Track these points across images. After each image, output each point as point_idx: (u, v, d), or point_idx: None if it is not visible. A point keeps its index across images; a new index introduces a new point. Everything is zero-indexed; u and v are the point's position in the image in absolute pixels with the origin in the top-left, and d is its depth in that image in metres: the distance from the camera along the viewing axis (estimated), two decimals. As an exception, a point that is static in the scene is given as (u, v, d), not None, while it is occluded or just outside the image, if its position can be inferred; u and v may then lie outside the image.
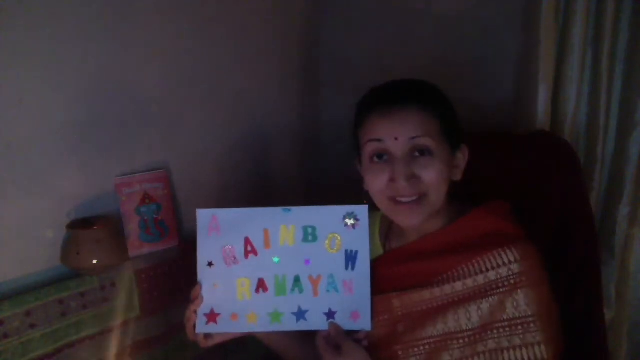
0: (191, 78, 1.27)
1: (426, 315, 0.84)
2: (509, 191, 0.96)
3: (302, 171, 1.67)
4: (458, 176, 0.88)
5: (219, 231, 0.90)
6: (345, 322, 0.87)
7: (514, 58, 1.28)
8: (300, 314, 0.89)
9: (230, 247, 0.90)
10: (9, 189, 0.96)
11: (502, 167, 1.06)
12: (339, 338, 0.84)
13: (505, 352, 0.79)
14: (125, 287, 1.10)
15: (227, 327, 0.90)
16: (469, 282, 0.83)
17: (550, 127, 1.20)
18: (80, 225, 1.03)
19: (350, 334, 0.86)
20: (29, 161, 0.99)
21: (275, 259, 0.90)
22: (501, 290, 0.80)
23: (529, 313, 0.79)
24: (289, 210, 0.90)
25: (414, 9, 1.44)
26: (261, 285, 0.89)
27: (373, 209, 0.90)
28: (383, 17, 1.51)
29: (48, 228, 1.02)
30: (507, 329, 0.79)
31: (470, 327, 0.81)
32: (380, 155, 0.84)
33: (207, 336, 0.91)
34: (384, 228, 0.98)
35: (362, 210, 0.89)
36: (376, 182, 0.85)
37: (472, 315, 0.81)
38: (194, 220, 0.90)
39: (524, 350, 0.78)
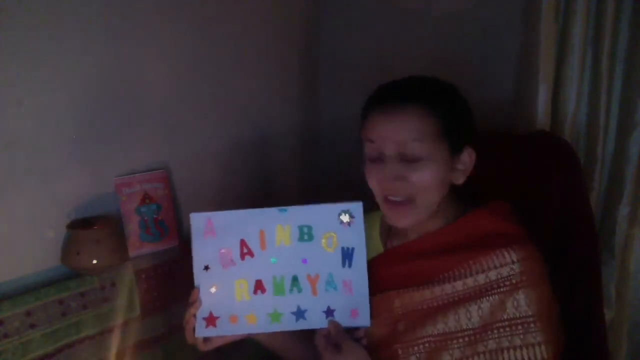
0: (191, 78, 1.27)
1: (426, 314, 0.84)
2: (509, 191, 0.96)
3: (302, 171, 1.67)
4: (460, 179, 0.86)
5: (215, 234, 0.90)
6: (344, 319, 0.87)
7: (514, 58, 1.28)
8: (299, 314, 0.89)
9: (226, 249, 0.90)
10: (9, 189, 0.96)
11: (502, 167, 1.06)
12: (339, 336, 0.84)
13: (505, 352, 0.79)
14: (125, 287, 1.10)
15: (227, 330, 0.89)
16: (470, 281, 0.83)
17: (550, 127, 1.20)
18: (80, 225, 1.03)
19: (350, 332, 0.86)
20: (29, 161, 0.99)
21: (273, 260, 0.90)
22: (502, 290, 0.80)
23: (530, 313, 0.79)
24: (285, 210, 0.89)
25: (414, 9, 1.44)
26: (259, 287, 0.89)
27: (376, 208, 0.90)
28: (383, 17, 1.51)
29: (48, 228, 1.02)
30: (508, 328, 0.79)
31: (470, 327, 0.81)
32: (377, 154, 0.85)
33: (206, 340, 0.90)
34: (385, 227, 0.98)
35: (357, 207, 0.89)
36: (372, 181, 0.86)
37: (473, 314, 0.81)
38: (193, 220, 0.91)
39: (524, 350, 0.78)
